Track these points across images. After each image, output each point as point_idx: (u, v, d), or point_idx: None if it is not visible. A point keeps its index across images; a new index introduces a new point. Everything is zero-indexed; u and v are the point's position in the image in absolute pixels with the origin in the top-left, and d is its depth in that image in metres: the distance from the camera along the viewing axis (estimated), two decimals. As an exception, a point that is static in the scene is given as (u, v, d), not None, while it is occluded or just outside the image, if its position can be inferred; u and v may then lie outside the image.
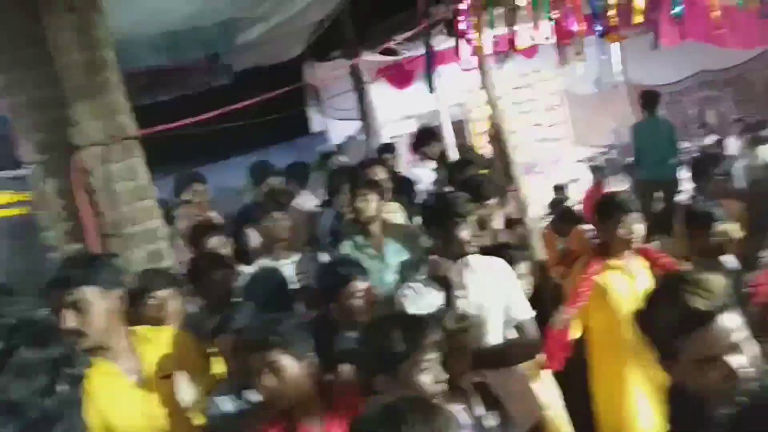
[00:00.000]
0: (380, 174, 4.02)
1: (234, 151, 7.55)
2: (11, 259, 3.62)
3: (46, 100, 2.88)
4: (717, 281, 1.44)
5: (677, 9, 2.46)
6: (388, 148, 5.77)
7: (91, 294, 2.07)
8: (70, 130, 2.85)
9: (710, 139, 8.85)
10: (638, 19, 2.88)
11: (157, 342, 2.25)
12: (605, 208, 2.86)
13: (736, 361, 1.38)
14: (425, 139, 5.34)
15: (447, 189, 3.56)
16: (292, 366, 1.91)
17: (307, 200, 4.83)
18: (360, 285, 2.60)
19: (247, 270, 3.42)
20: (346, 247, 3.42)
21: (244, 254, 3.80)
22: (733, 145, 8.08)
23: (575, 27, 3.48)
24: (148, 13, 4.18)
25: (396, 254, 3.36)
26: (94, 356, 2.06)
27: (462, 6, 3.12)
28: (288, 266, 3.50)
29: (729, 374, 1.38)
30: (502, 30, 4.92)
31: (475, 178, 3.46)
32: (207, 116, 3.30)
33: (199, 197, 4.12)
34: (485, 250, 2.86)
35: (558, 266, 3.86)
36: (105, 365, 2.07)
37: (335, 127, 8.44)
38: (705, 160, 4.42)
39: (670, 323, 1.42)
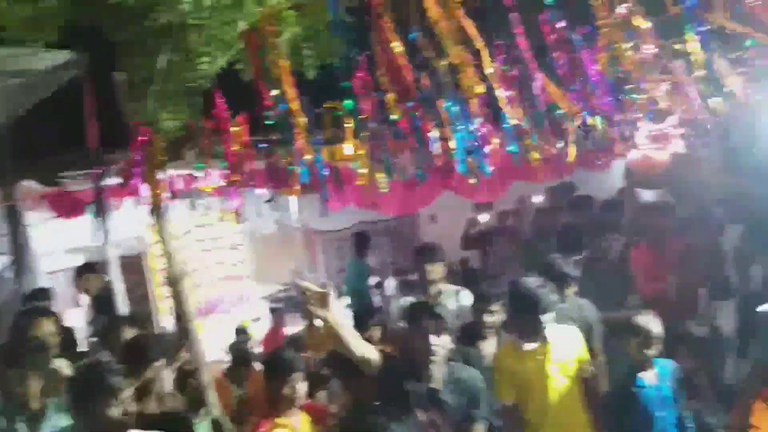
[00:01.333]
0: (47, 328, 3.50)
1: None
2: None
3: None
4: None
5: (324, 193, 2.94)
6: (46, 293, 5.05)
7: None
8: None
9: (371, 282, 9.93)
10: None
11: None
12: (270, 368, 2.92)
13: None
14: (83, 274, 5.31)
15: (103, 353, 3.21)
16: None
17: None
18: None
19: None
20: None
21: None
22: (390, 286, 9.24)
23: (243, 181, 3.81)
24: None
25: (59, 421, 2.80)
26: None
27: (136, 157, 3.07)
28: None
29: None
30: (179, 170, 5.03)
31: (138, 339, 3.18)
32: None
33: None
34: (149, 420, 2.60)
35: (234, 415, 3.73)
36: None
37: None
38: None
39: None
